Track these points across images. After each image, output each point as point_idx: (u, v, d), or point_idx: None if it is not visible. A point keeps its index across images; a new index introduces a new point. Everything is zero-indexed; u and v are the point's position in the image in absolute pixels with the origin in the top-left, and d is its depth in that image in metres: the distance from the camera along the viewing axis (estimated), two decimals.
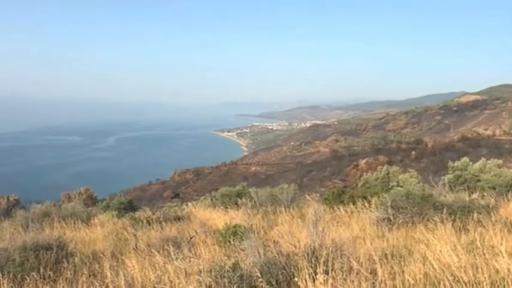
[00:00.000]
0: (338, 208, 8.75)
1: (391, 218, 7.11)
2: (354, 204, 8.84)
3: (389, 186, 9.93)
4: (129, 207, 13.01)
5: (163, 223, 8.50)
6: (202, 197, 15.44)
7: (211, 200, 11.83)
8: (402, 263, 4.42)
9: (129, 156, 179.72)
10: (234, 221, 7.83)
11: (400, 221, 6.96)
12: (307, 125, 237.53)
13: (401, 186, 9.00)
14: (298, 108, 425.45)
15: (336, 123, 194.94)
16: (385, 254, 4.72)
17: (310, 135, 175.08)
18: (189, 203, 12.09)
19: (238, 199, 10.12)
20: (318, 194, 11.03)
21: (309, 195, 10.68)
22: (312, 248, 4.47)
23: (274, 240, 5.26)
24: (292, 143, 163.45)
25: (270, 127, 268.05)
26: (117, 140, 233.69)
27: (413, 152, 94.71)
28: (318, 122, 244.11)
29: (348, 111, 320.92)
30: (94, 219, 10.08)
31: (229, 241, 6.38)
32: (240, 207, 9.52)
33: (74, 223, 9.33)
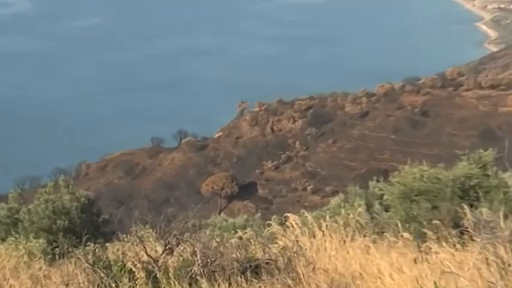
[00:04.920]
0: None
1: None
2: None
3: None
4: (87, 224, 11.41)
5: (205, 280, 7.85)
6: (333, 199, 14.31)
7: (368, 209, 10.73)
8: None
9: (86, 59, 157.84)
10: (449, 281, 6.96)
11: None
12: None
13: None
14: None
15: None
16: None
17: None
18: (291, 217, 9.93)
19: (465, 208, 8.51)
20: None
21: None
22: None
23: None
24: None
25: None
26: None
27: None
28: None
29: None
30: None
31: None
32: (471, 236, 8.01)
33: None
